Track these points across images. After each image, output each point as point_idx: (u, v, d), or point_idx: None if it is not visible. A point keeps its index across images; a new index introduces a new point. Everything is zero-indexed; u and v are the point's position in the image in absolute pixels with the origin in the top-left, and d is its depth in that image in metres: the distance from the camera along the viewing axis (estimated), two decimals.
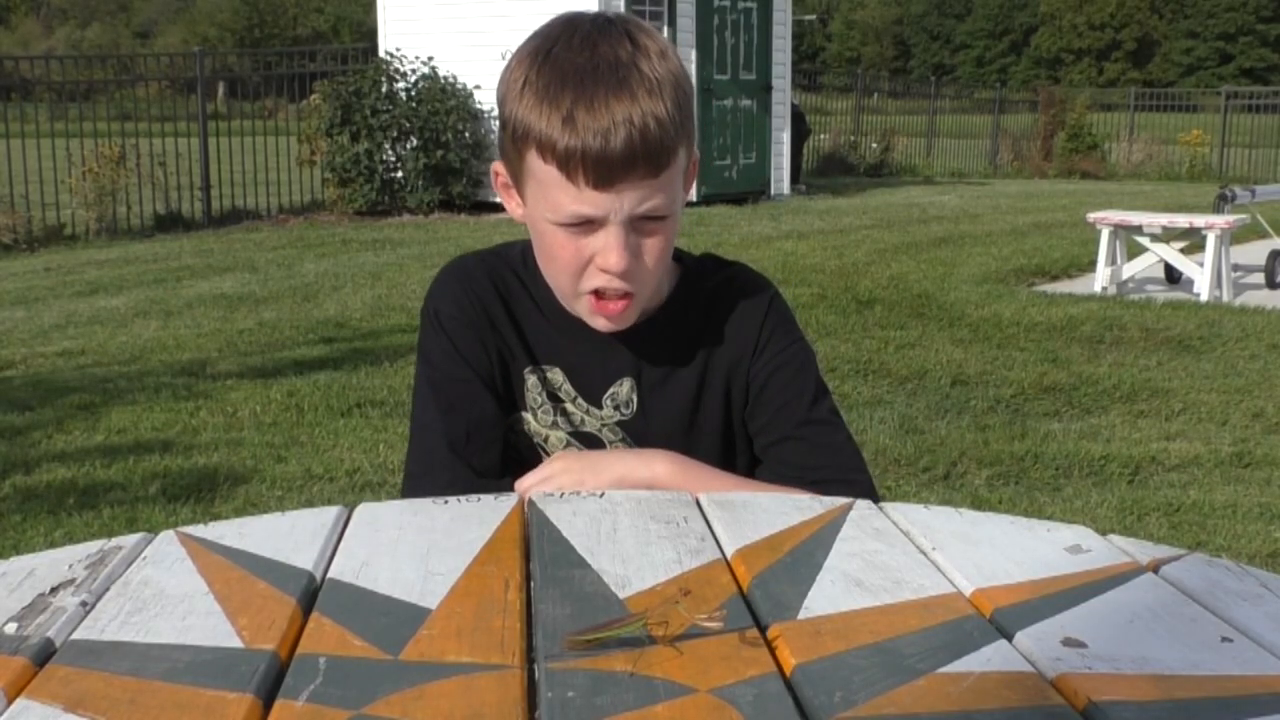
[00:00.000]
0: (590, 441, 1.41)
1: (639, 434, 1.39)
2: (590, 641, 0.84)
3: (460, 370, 1.37)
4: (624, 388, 1.39)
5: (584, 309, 1.33)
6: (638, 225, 1.26)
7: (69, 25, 69.82)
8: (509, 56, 1.30)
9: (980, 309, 7.17)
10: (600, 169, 1.21)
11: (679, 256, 1.43)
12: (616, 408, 1.39)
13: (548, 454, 1.42)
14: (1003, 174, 21.36)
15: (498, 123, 1.33)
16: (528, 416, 1.41)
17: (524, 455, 1.43)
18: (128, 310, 7.21)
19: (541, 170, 1.25)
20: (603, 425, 1.39)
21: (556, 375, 1.39)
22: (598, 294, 1.30)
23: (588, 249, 1.26)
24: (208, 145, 12.16)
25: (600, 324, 1.33)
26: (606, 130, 1.20)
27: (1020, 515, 1.47)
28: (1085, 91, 28.96)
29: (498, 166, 1.35)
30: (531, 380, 1.39)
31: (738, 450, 1.42)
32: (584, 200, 1.23)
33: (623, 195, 1.23)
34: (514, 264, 1.40)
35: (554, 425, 1.40)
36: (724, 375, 1.40)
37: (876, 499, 1.34)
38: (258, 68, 15.30)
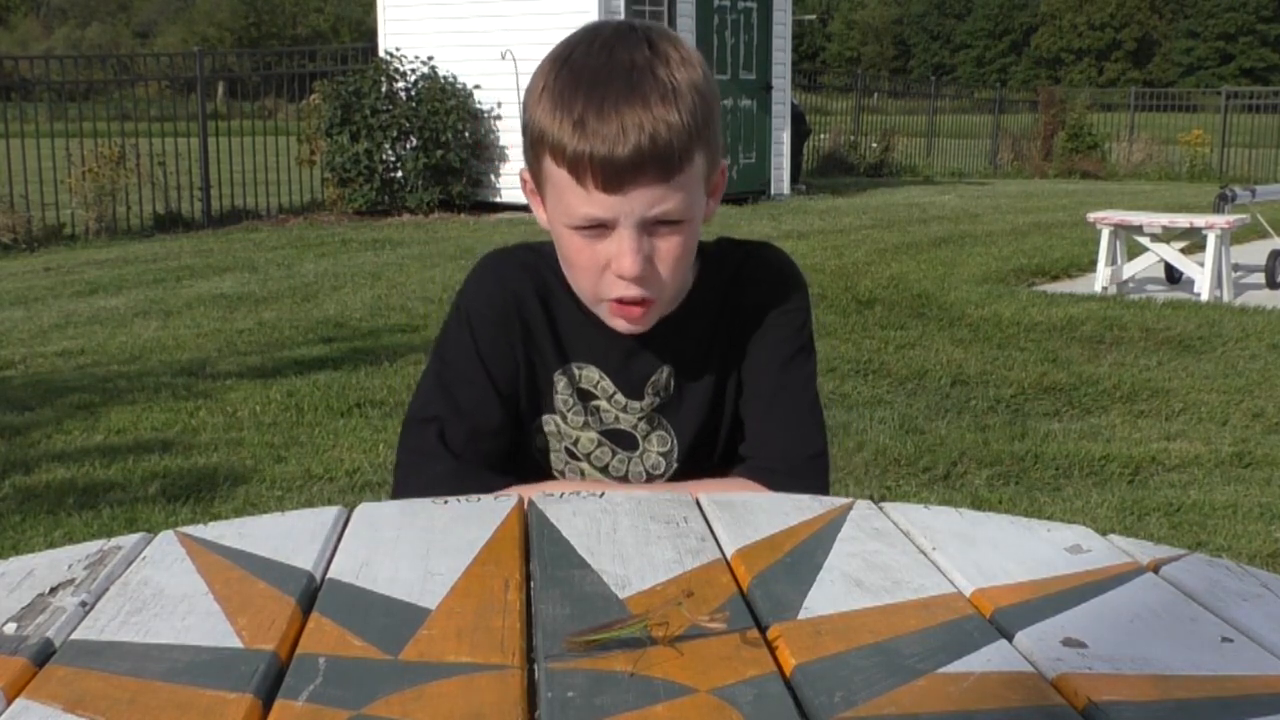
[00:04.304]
0: (622, 438, 1.41)
1: (672, 417, 1.41)
2: (591, 642, 0.84)
3: (475, 373, 1.37)
4: (663, 375, 1.41)
5: (605, 313, 1.35)
6: (651, 229, 1.27)
7: (68, 25, 69.79)
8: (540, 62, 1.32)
9: (980, 309, 7.17)
10: (608, 172, 1.23)
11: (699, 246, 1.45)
12: (657, 394, 1.41)
13: (577, 455, 1.42)
14: (1003, 174, 21.35)
15: (522, 128, 1.35)
16: (555, 419, 1.41)
17: (539, 461, 1.43)
18: (127, 310, 7.20)
19: (555, 174, 1.27)
20: (640, 418, 1.40)
21: (592, 373, 1.40)
22: (618, 300, 1.32)
23: (603, 254, 1.28)
24: (207, 145, 12.15)
25: (621, 326, 1.35)
26: (615, 135, 1.22)
27: (1020, 515, 1.47)
28: (1085, 91, 28.96)
29: (524, 173, 1.37)
30: (561, 382, 1.40)
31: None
32: (593, 203, 1.25)
33: (632, 198, 1.25)
34: (554, 261, 1.40)
35: (585, 426, 1.41)
36: (739, 352, 1.42)
37: (824, 477, 1.37)
38: (257, 68, 15.28)
